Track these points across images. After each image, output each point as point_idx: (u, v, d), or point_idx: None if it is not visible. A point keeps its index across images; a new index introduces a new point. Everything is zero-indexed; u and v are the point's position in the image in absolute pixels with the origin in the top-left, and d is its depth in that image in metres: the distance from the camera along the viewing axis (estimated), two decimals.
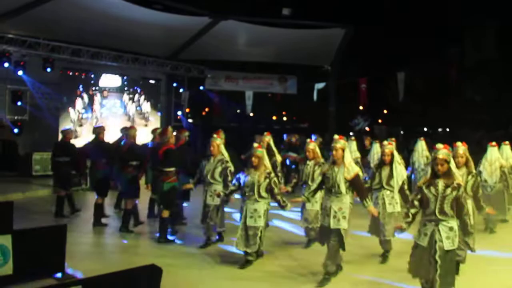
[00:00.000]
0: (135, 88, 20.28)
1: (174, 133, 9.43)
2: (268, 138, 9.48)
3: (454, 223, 5.34)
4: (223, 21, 18.94)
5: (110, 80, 19.30)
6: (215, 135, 8.43)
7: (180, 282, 6.38)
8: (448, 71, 24.17)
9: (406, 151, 14.25)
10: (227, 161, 8.05)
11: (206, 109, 31.57)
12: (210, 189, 8.07)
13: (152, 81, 21.04)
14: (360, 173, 6.64)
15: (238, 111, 28.27)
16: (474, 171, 6.94)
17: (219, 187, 7.98)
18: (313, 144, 8.39)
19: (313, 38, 20.55)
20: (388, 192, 7.56)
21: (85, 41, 17.18)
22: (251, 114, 26.57)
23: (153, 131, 10.88)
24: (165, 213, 8.39)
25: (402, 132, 29.76)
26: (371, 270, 7.18)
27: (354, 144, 12.91)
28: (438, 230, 5.31)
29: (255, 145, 7.37)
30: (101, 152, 10.05)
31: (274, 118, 35.79)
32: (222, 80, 23.64)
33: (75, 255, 7.34)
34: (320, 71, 24.44)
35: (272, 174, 7.22)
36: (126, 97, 20.07)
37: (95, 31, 16.74)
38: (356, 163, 11.35)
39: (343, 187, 6.46)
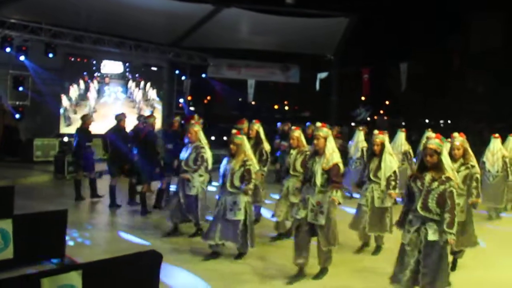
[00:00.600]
0: (138, 75, 20.22)
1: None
2: (257, 126, 8.96)
3: (441, 222, 4.75)
4: (226, 8, 18.82)
5: (112, 66, 19.26)
6: (192, 121, 8.17)
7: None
8: (451, 62, 24.12)
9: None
10: (202, 147, 7.73)
11: (208, 97, 31.56)
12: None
13: (154, 68, 20.98)
14: (340, 164, 6.03)
15: (240, 99, 28.24)
16: (471, 163, 6.43)
17: (194, 175, 7.68)
18: (298, 132, 7.73)
19: (316, 27, 20.44)
20: (377, 185, 7.16)
21: (88, 27, 17.13)
22: (253, 103, 26.52)
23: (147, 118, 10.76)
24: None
25: (403, 123, 29.75)
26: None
27: (361, 134, 12.37)
28: (425, 229, 4.79)
29: (234, 131, 6.96)
30: (121, 139, 10.13)
31: (275, 107, 35.77)
32: (224, 68, 23.57)
33: (77, 240, 7.38)
34: (322, 61, 24.37)
35: (249, 162, 6.70)
36: (132, 84, 20.08)
37: (97, 17, 16.67)
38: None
39: (318, 179, 5.93)
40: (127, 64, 19.76)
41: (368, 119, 35.24)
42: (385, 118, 33.92)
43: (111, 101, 19.33)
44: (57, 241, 6.42)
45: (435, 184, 4.74)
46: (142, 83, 20.37)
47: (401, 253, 4.96)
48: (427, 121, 31.66)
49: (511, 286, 6.19)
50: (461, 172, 6.31)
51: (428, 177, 4.78)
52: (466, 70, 26.69)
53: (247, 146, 6.90)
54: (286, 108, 37.45)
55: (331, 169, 5.91)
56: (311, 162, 6.10)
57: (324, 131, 6.06)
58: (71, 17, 16.50)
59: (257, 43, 22.17)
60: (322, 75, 24.86)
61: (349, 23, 20.91)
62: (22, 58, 15.83)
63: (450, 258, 5.93)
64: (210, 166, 7.89)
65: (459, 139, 6.44)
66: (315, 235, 6.03)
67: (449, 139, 6.28)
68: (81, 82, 18.22)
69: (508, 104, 25.98)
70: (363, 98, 31.57)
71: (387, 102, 35.84)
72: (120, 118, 10.56)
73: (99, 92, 19.00)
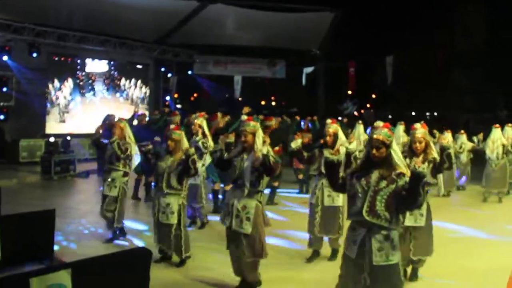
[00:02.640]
0: (117, 73, 20.11)
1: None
2: (200, 121, 8.46)
3: (392, 231, 3.91)
4: (211, 4, 18.78)
5: (96, 65, 19.13)
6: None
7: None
8: (436, 55, 24.25)
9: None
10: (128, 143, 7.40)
11: (195, 94, 31.46)
12: (108, 177, 7.42)
13: (139, 66, 20.88)
14: (270, 156, 5.24)
15: (226, 95, 28.20)
16: (432, 157, 5.67)
17: (117, 174, 7.35)
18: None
19: (302, 22, 20.48)
20: (327, 181, 6.03)
21: (71, 25, 16.98)
22: (240, 99, 26.50)
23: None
24: None
25: (390, 117, 29.90)
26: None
27: (361, 128, 12.74)
28: (370, 238, 3.89)
29: (172, 126, 6.48)
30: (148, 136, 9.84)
31: (263, 102, 35.77)
32: (211, 65, 23.53)
33: (66, 240, 7.33)
34: (308, 56, 24.45)
35: (190, 152, 6.09)
36: (126, 82, 20.06)
37: (81, 15, 16.56)
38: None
39: (247, 179, 5.24)
40: (112, 63, 19.63)
41: (355, 113, 35.35)
42: (372, 111, 34.06)
43: (96, 100, 19.21)
44: (45, 241, 6.35)
45: (384, 183, 3.87)
46: (129, 81, 20.27)
47: (343, 266, 4.10)
48: (413, 114, 31.85)
49: (492, 274, 6.21)
50: (427, 170, 5.27)
51: (375, 175, 3.91)
52: (451, 63, 26.85)
53: (186, 143, 6.47)
54: (273, 103, 37.47)
55: (261, 163, 5.20)
56: (238, 161, 5.36)
57: (251, 125, 5.35)
58: (55, 16, 16.37)
59: (243, 39, 22.16)
60: (308, 70, 24.92)
61: (334, 17, 21.00)
62: (5, 58, 15.65)
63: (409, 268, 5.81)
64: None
65: (420, 130, 5.70)
66: (240, 245, 5.29)
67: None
68: (69, 79, 18.09)
69: (493, 95, 26.28)
70: (349, 92, 31.67)
71: (373, 96, 35.99)
72: (141, 118, 11.14)
73: (84, 90, 18.87)
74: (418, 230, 5.61)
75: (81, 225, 8.59)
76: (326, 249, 6.72)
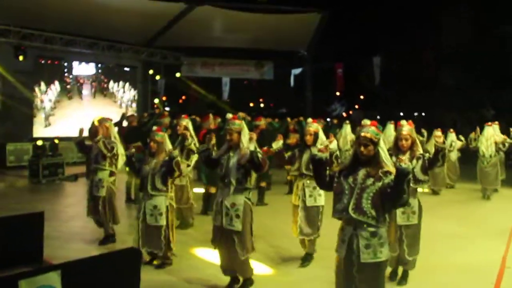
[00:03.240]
0: (103, 76, 20.03)
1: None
2: (185, 122, 8.47)
3: (379, 228, 3.90)
4: (198, 6, 18.77)
5: (84, 68, 19.03)
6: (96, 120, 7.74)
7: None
8: (423, 56, 24.43)
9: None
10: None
11: (183, 97, 31.38)
12: (94, 177, 7.35)
13: (127, 69, 20.80)
14: (258, 152, 5.29)
15: (215, 98, 28.19)
16: (419, 153, 5.55)
17: (104, 173, 7.28)
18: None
19: (289, 23, 20.54)
20: (308, 180, 6.21)
21: (59, 28, 16.87)
22: (228, 101, 26.51)
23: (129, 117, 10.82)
24: None
25: (378, 117, 30.01)
26: None
27: (348, 127, 13.41)
28: (357, 236, 3.90)
29: (154, 128, 6.44)
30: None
31: (251, 104, 35.76)
32: (199, 67, 23.54)
33: (55, 243, 7.26)
34: (296, 57, 24.51)
35: (174, 154, 6.06)
36: (114, 84, 20.08)
37: (68, 18, 16.44)
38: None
39: (234, 176, 5.25)
40: (99, 65, 19.54)
41: (344, 114, 35.47)
42: (360, 112, 34.18)
43: (84, 103, 19.12)
44: (35, 244, 6.29)
45: (370, 181, 3.87)
46: (117, 84, 20.21)
47: (338, 271, 4.07)
48: (401, 114, 32.00)
49: (482, 270, 6.26)
50: (416, 167, 5.47)
51: (362, 172, 3.92)
52: (438, 64, 27.04)
53: (169, 144, 6.38)
54: (262, 105, 37.48)
55: (248, 161, 5.21)
56: (225, 159, 5.37)
57: (236, 124, 5.37)
58: (41, 19, 16.25)
59: (231, 41, 22.19)
60: (297, 71, 25.02)
61: (322, 19, 21.08)
62: None
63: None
64: None
65: (406, 127, 5.59)
66: (231, 243, 5.31)
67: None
68: (56, 83, 17.97)
69: (479, 95, 26.46)
70: (337, 93, 31.77)
71: (361, 97, 36.10)
72: (132, 119, 11.15)
73: (72, 94, 18.77)
74: (412, 228, 5.54)
75: (70, 228, 8.53)
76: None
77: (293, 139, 10.61)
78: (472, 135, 12.48)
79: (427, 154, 5.66)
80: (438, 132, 10.03)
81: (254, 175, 5.41)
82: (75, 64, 18.70)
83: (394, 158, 4.96)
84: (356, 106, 37.06)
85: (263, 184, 10.64)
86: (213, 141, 7.03)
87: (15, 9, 15.23)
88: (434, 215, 8.65)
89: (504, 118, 19.06)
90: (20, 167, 15.00)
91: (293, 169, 6.48)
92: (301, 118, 14.15)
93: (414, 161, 5.46)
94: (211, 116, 10.55)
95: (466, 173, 13.12)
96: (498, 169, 11.63)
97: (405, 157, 3.94)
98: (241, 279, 5.52)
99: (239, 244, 5.26)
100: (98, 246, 7.24)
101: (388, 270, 5.55)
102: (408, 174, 3.69)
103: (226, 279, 5.57)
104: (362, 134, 3.92)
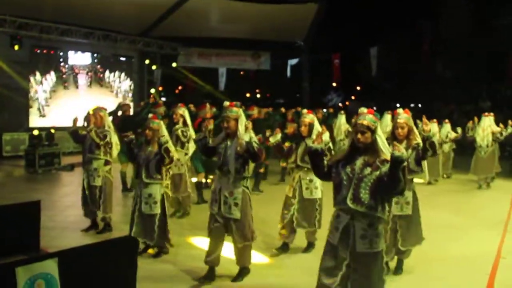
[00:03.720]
0: (100, 65, 19.93)
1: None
2: (182, 110, 8.42)
3: (376, 219, 3.86)
4: None
5: (80, 57, 18.95)
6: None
7: None
8: (420, 46, 24.40)
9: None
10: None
11: (180, 87, 31.31)
12: (90, 167, 7.35)
13: (123, 59, 20.71)
14: (254, 142, 5.24)
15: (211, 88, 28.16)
16: (416, 143, 5.44)
17: (98, 162, 7.28)
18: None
19: (287, 13, 20.47)
20: (304, 173, 6.27)
21: (54, 18, 16.75)
22: (224, 91, 26.48)
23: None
24: None
25: (375, 108, 29.98)
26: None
27: (343, 118, 13.76)
28: (353, 226, 3.84)
29: (150, 115, 6.38)
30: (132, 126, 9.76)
31: (248, 95, 35.73)
32: (195, 57, 23.47)
33: (51, 233, 7.27)
34: (293, 47, 24.45)
35: (164, 139, 5.99)
36: (110, 74, 19.99)
37: (64, 7, 16.31)
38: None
39: (232, 166, 5.25)
40: (95, 55, 19.46)
41: (340, 104, 35.49)
42: (357, 103, 34.20)
43: (80, 93, 19.05)
44: (31, 233, 6.30)
45: (368, 170, 3.82)
46: (113, 74, 20.13)
47: (326, 254, 4.01)
48: (398, 105, 32.03)
49: (478, 260, 6.29)
50: (411, 156, 5.34)
51: (359, 161, 3.88)
52: (436, 55, 27.01)
53: (164, 132, 6.29)
54: (258, 95, 37.45)
55: (245, 150, 5.19)
56: (223, 147, 5.35)
57: (234, 111, 5.30)
58: (37, 8, 16.12)
59: (228, 31, 22.10)
60: (293, 61, 24.97)
61: (319, 9, 21.00)
62: None
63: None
64: None
65: (403, 116, 5.52)
66: (229, 231, 5.37)
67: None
68: (52, 72, 17.89)
69: (476, 87, 26.50)
70: (334, 84, 31.78)
71: (358, 88, 36.10)
72: (126, 108, 11.22)
73: (67, 83, 18.69)
74: (405, 219, 5.51)
75: (66, 218, 8.54)
76: (302, 241, 6.67)
77: (290, 128, 10.67)
78: (470, 124, 12.47)
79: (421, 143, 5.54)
80: (425, 120, 10.07)
81: (252, 164, 5.41)
82: (70, 53, 18.57)
83: (390, 147, 4.95)
84: (353, 97, 37.08)
85: (261, 170, 10.75)
86: (211, 126, 7.05)
87: None
88: (429, 205, 8.64)
89: (502, 111, 19.15)
90: (16, 157, 14.96)
91: (289, 161, 6.48)
92: (299, 108, 14.20)
93: (410, 150, 5.38)
94: (207, 105, 10.59)
95: (462, 164, 13.18)
96: (495, 158, 11.85)
97: (399, 145, 3.83)
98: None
99: (236, 231, 5.30)
100: (95, 235, 7.26)
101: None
102: (402, 161, 3.66)
103: (222, 268, 5.58)
104: (359, 121, 3.88)
